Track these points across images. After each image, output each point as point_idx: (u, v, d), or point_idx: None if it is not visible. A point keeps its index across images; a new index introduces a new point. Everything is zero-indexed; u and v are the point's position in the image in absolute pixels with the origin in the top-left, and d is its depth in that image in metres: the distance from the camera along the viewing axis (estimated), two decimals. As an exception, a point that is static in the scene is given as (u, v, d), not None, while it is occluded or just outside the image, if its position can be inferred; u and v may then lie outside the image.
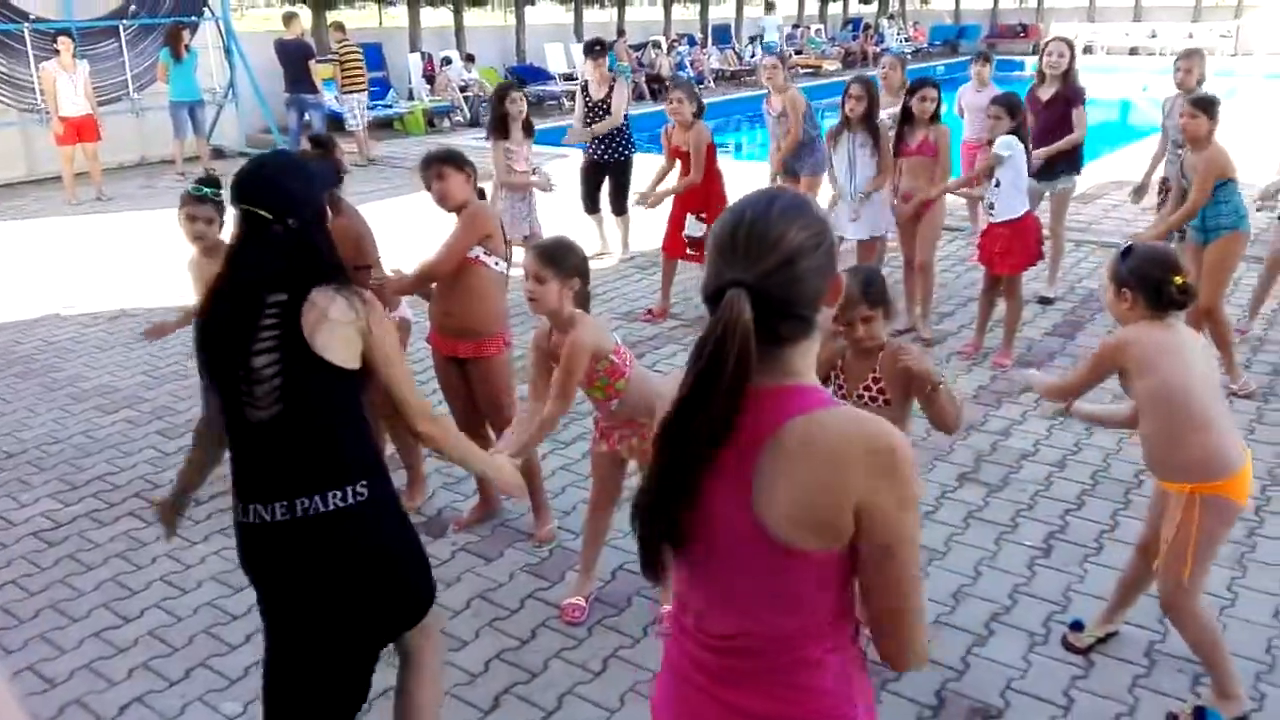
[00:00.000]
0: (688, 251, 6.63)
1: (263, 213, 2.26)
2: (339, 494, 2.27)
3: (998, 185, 5.57)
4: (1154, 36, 26.56)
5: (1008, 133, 5.53)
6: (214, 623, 3.59)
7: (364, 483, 2.30)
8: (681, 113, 6.52)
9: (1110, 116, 17.20)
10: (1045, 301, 6.86)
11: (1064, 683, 3.17)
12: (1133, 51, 26.41)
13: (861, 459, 1.39)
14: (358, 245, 3.94)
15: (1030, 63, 10.95)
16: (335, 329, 2.23)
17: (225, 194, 2.69)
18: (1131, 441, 4.42)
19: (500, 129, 6.89)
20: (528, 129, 6.90)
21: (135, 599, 3.76)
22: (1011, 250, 5.63)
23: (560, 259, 3.19)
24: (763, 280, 1.40)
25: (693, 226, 6.52)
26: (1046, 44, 7.04)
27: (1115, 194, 9.77)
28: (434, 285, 3.94)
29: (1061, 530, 4.06)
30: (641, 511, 1.50)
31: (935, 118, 6.04)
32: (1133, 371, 2.90)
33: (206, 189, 4.13)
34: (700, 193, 6.55)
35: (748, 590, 1.47)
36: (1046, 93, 6.69)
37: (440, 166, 3.79)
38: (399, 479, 4.29)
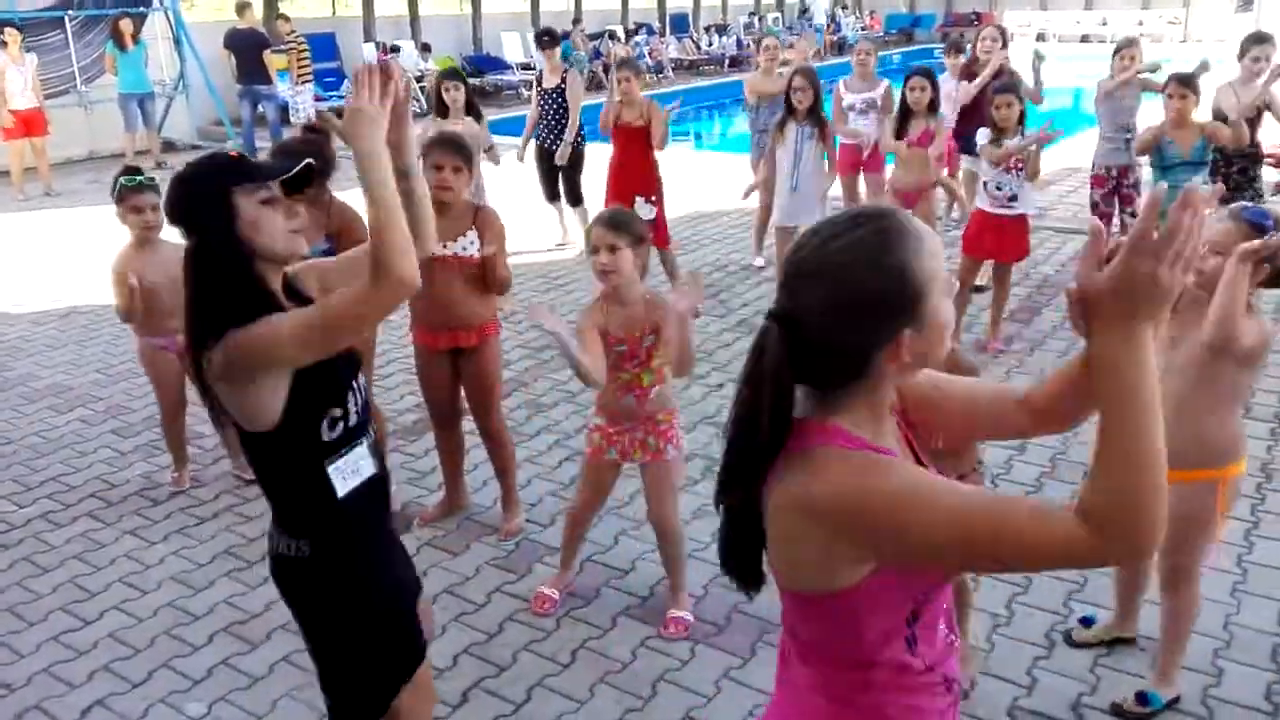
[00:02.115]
0: None
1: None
2: (286, 544, 2.16)
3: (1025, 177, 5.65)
4: (1104, 24, 26.87)
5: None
6: (175, 624, 3.54)
7: (306, 541, 2.13)
8: (633, 91, 6.51)
9: (1063, 104, 17.41)
10: (979, 290, 6.91)
11: (1027, 663, 3.22)
12: (1084, 39, 26.72)
13: (803, 517, 1.31)
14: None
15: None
16: (222, 392, 2.00)
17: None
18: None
19: (441, 113, 6.82)
20: (471, 113, 6.77)
21: (94, 601, 3.69)
22: (1019, 242, 5.75)
23: (629, 226, 3.12)
24: (800, 315, 1.29)
25: (642, 209, 6.50)
26: (981, 31, 7.34)
27: (1069, 180, 9.89)
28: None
29: (1022, 513, 4.11)
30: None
31: (934, 108, 6.11)
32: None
33: (139, 176, 4.11)
34: (643, 175, 6.56)
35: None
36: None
37: (461, 160, 3.69)
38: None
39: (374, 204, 1.90)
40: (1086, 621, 3.35)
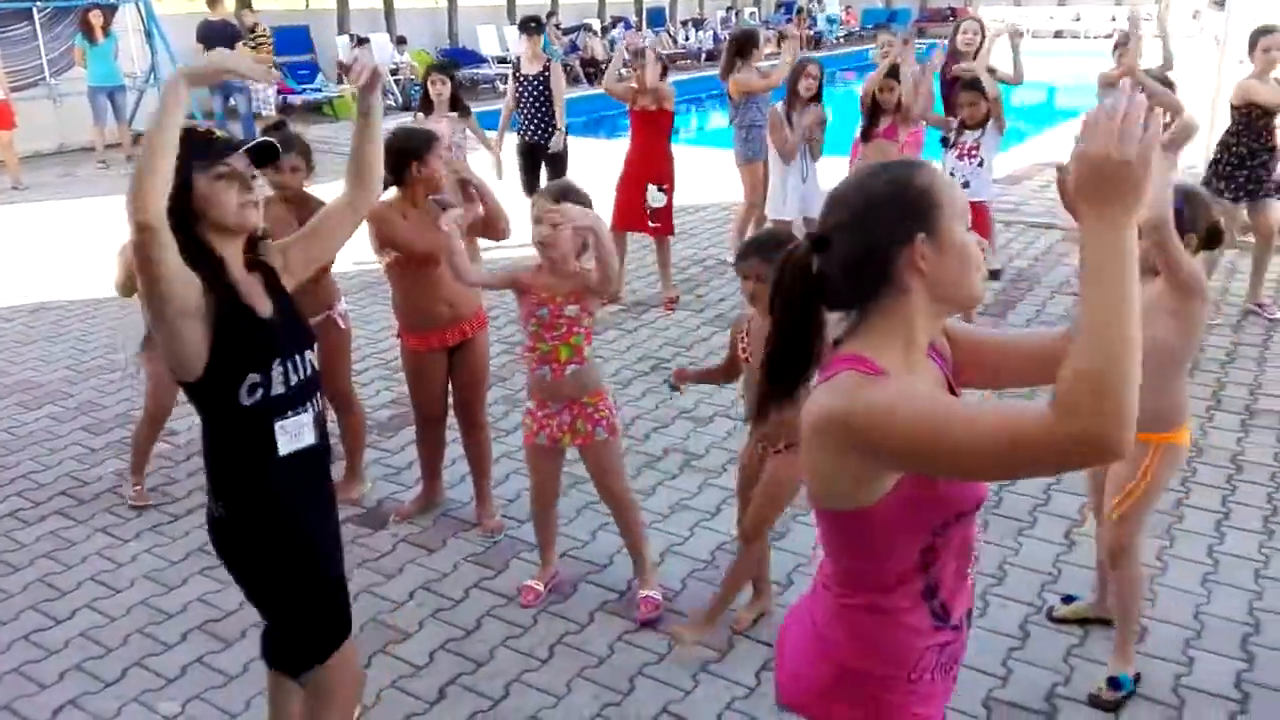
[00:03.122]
0: (650, 225, 6.61)
1: None
2: (212, 504, 2.30)
3: (980, 164, 5.70)
4: (1078, 20, 27.07)
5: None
6: (148, 622, 3.51)
7: (222, 504, 2.27)
8: (651, 77, 6.51)
9: (1037, 99, 17.53)
10: (994, 275, 6.95)
11: (1001, 654, 3.24)
12: (1057, 35, 26.90)
13: (816, 434, 1.45)
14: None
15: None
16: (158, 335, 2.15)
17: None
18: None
19: (425, 108, 6.83)
20: (457, 108, 6.78)
21: (65, 599, 3.65)
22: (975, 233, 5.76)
23: (574, 201, 3.12)
24: (827, 235, 1.48)
25: (654, 197, 6.53)
26: (960, 24, 7.42)
27: (1042, 175, 9.96)
28: (401, 286, 3.84)
29: (996, 505, 4.14)
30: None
31: (900, 105, 6.25)
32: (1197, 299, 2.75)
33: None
34: (659, 162, 6.58)
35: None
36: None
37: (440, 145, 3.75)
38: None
39: (144, 141, 2.01)
40: (1068, 600, 3.41)
